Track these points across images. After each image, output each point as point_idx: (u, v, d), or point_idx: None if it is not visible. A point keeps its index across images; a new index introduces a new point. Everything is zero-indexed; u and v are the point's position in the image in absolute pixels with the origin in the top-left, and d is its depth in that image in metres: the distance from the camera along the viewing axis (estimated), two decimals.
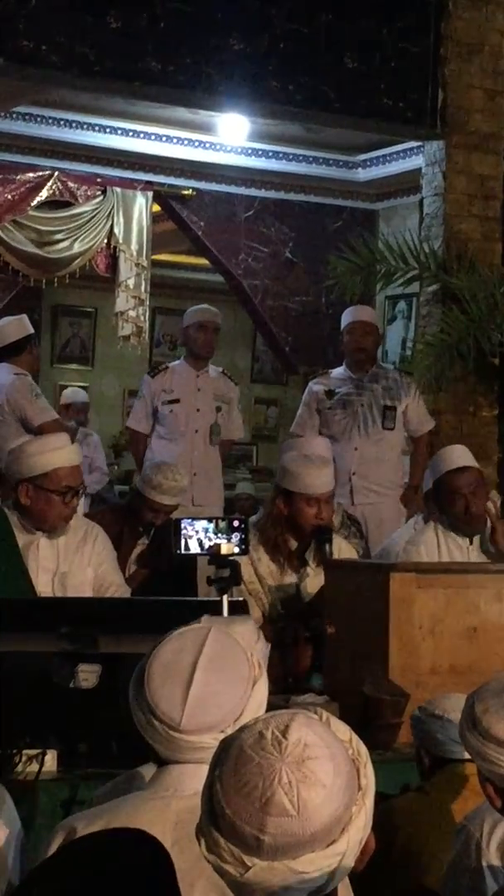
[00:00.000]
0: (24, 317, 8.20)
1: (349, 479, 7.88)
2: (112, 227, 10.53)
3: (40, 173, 10.27)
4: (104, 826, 2.65)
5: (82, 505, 6.41)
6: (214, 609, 4.18)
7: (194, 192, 10.80)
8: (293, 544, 5.74)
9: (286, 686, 4.92)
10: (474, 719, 2.76)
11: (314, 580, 5.67)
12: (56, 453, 5.26)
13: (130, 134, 10.39)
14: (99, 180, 10.57)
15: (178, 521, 4.36)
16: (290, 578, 5.73)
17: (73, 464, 5.31)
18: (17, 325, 8.04)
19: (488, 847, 3.05)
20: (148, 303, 10.80)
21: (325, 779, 1.86)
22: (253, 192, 11.00)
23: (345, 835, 1.88)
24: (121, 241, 10.56)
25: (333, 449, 7.72)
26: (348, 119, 8.67)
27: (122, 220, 10.56)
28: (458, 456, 6.11)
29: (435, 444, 8.27)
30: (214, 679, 2.54)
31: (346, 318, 8.16)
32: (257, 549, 5.61)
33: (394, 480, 8.01)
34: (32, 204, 10.22)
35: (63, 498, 5.22)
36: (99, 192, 10.52)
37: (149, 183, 10.73)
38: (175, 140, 10.48)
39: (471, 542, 6.01)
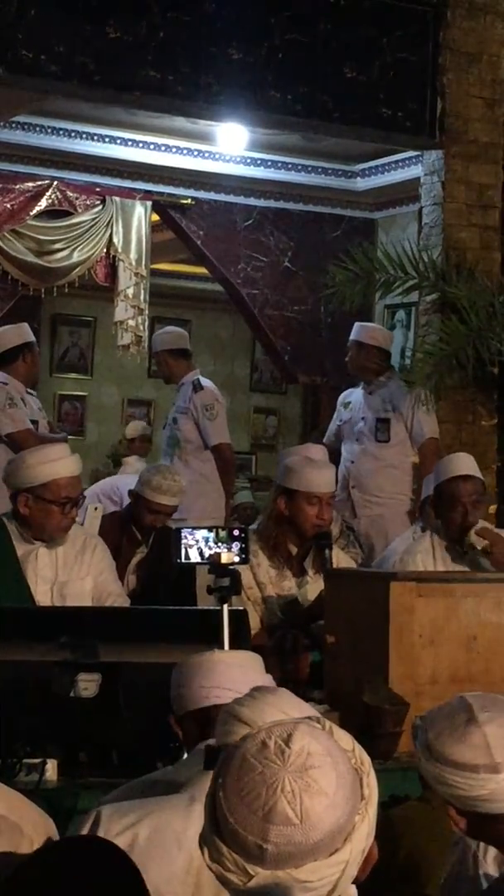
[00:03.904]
0: (24, 325, 8.22)
1: (349, 492, 7.96)
2: (111, 236, 10.53)
3: (39, 183, 10.27)
4: (132, 822, 2.76)
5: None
6: (214, 618, 4.18)
7: (193, 202, 10.80)
8: (293, 548, 5.74)
9: None
10: (428, 746, 2.77)
11: (313, 587, 5.68)
12: (56, 464, 5.27)
13: (129, 143, 10.39)
14: (98, 190, 10.57)
15: (179, 531, 4.37)
16: (290, 584, 5.74)
17: (72, 474, 5.31)
18: (12, 333, 8.05)
19: (485, 858, 3.05)
20: (147, 312, 10.79)
21: (328, 788, 1.86)
22: (252, 201, 11.00)
23: (348, 844, 1.88)
24: (120, 250, 10.56)
25: (341, 460, 7.90)
26: (347, 128, 8.67)
27: (121, 229, 10.56)
28: (463, 464, 6.10)
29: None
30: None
31: (352, 334, 8.38)
32: (257, 554, 5.62)
33: (397, 491, 8.03)
34: (31, 213, 10.22)
35: (62, 508, 5.23)
36: (98, 202, 10.52)
37: (148, 192, 10.73)
38: (174, 149, 10.48)
39: (466, 553, 6.00)
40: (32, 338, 8.15)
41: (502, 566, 5.80)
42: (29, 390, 8.11)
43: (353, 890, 2.30)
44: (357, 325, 8.54)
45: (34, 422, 7.94)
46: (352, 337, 8.35)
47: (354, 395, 8.32)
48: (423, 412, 8.05)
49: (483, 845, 3.06)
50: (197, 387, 8.44)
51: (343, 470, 7.99)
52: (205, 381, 8.56)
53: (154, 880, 2.78)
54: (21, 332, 8.07)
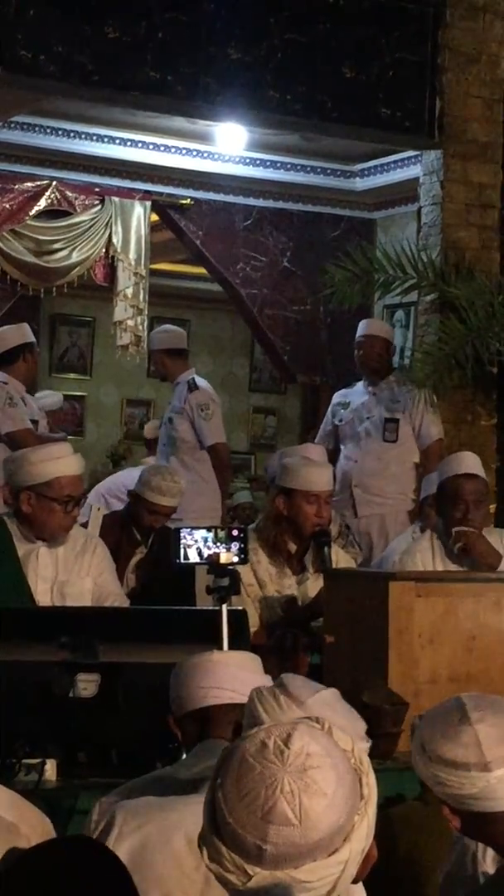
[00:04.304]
0: (24, 325, 8.24)
1: (351, 491, 7.94)
2: (110, 236, 10.53)
3: (38, 183, 10.27)
4: (144, 822, 2.78)
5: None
6: (213, 618, 4.18)
7: (192, 202, 10.80)
8: (292, 547, 5.75)
9: None
10: (422, 745, 2.81)
11: (313, 585, 5.68)
12: (58, 462, 5.27)
13: (128, 144, 10.39)
14: (97, 190, 10.57)
15: (178, 531, 4.37)
16: (290, 582, 5.74)
17: (74, 473, 5.32)
18: (12, 334, 8.07)
19: (484, 858, 3.05)
20: (146, 312, 10.79)
21: (328, 788, 1.86)
22: (251, 201, 11.00)
23: (347, 844, 1.88)
24: (119, 250, 10.56)
25: (343, 461, 7.87)
26: (346, 128, 8.67)
27: (120, 229, 10.55)
28: (469, 463, 6.09)
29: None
30: (342, 705, 2.53)
31: (359, 329, 8.35)
32: (257, 551, 5.63)
33: (399, 491, 8.00)
34: (31, 213, 10.22)
35: (64, 507, 5.23)
36: (97, 202, 10.52)
37: (147, 192, 10.72)
38: (173, 150, 10.48)
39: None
40: (33, 338, 8.18)
41: (485, 564, 5.80)
42: (36, 394, 8.16)
43: (362, 890, 2.30)
44: (373, 321, 8.54)
45: (34, 421, 7.96)
46: (372, 332, 8.28)
47: (354, 395, 8.28)
48: (430, 413, 8.05)
49: (482, 845, 3.06)
50: (192, 387, 8.43)
51: (343, 469, 7.98)
52: (200, 381, 8.54)
53: (164, 879, 2.80)
54: (22, 333, 8.09)
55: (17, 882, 2.15)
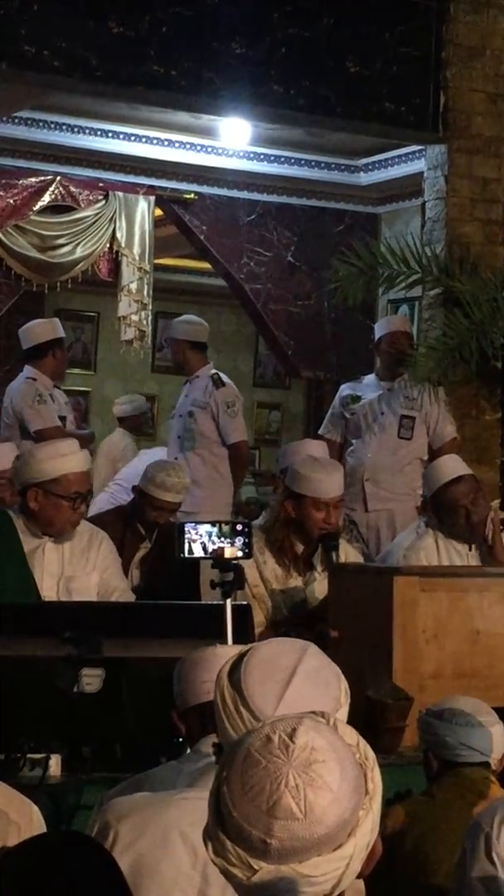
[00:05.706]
0: (55, 320, 8.27)
1: (362, 485, 7.92)
2: (114, 231, 10.52)
3: (42, 178, 10.26)
4: (138, 821, 2.77)
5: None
6: (218, 613, 4.18)
7: (196, 197, 10.78)
8: (299, 548, 5.74)
9: None
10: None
11: (320, 585, 5.66)
12: (65, 459, 5.28)
13: (132, 138, 10.37)
14: (101, 185, 10.56)
15: (182, 525, 4.37)
16: (296, 582, 5.73)
17: (81, 469, 5.34)
18: (43, 328, 8.09)
19: (498, 839, 3.06)
20: (150, 307, 10.78)
21: (332, 782, 1.85)
22: (255, 196, 10.99)
23: (352, 839, 1.88)
24: (123, 245, 10.55)
25: (353, 454, 7.85)
26: (350, 123, 8.67)
27: (124, 224, 10.55)
28: (451, 467, 6.10)
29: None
30: (311, 688, 2.50)
31: (387, 326, 8.33)
32: (263, 551, 5.62)
33: (410, 487, 7.99)
34: (34, 209, 10.21)
35: (72, 503, 5.24)
36: (101, 197, 10.52)
37: (151, 187, 10.72)
38: (177, 144, 10.46)
39: (470, 548, 6.00)
40: (63, 333, 8.20)
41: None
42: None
43: (361, 884, 2.30)
44: (394, 317, 8.55)
45: (62, 417, 7.98)
46: (397, 328, 8.29)
47: (365, 390, 8.19)
48: (445, 412, 8.04)
49: (497, 827, 3.07)
50: (218, 383, 8.44)
51: (354, 463, 7.96)
52: (224, 377, 8.58)
53: (163, 879, 2.80)
54: (52, 328, 8.11)
55: (8, 877, 2.15)
